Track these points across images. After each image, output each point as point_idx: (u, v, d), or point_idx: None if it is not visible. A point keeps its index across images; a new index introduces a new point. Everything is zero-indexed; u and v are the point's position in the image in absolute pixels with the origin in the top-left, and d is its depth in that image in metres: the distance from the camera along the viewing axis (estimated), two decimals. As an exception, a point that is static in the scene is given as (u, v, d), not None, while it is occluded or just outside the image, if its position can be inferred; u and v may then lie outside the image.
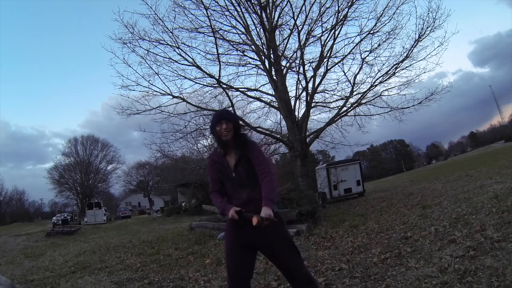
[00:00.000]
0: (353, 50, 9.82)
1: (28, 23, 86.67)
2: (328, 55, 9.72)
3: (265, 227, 1.75)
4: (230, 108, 9.45)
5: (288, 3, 9.64)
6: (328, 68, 10.07)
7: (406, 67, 9.57)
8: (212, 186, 2.05)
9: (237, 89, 10.38)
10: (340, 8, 8.99)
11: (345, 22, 9.33)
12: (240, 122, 2.12)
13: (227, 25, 10.26)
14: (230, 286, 1.93)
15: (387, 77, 9.72)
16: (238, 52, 10.77)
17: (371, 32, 9.42)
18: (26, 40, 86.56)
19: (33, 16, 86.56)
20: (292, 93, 10.71)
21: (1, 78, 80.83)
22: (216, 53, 9.04)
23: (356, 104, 10.12)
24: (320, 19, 9.67)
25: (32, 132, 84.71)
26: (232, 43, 10.56)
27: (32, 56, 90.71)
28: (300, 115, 10.39)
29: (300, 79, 10.30)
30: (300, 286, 1.91)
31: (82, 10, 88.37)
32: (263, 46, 10.16)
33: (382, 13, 9.12)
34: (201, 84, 9.91)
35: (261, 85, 11.36)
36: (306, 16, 9.55)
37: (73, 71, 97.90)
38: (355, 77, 9.94)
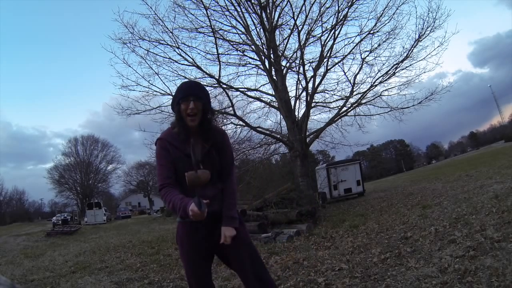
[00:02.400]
0: (353, 50, 9.84)
1: (28, 24, 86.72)
2: (328, 55, 9.72)
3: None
4: (230, 106, 9.43)
5: (288, 3, 9.65)
6: (328, 68, 10.08)
7: (406, 67, 9.60)
8: (164, 177, 1.56)
9: (237, 89, 10.38)
10: (340, 8, 9.00)
11: (345, 22, 9.34)
12: (212, 103, 1.70)
13: (227, 25, 10.28)
14: None
15: (387, 77, 9.73)
16: (238, 52, 10.78)
17: (371, 32, 9.44)
18: (27, 41, 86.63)
19: (34, 16, 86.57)
20: (292, 93, 10.73)
21: (3, 79, 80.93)
22: (216, 53, 9.05)
23: (356, 104, 10.13)
24: (320, 19, 9.69)
25: (33, 133, 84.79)
26: (232, 43, 10.57)
27: (34, 56, 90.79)
28: (300, 115, 10.39)
29: (300, 79, 10.31)
30: None
31: (83, 10, 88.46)
32: (263, 46, 10.17)
33: (382, 13, 9.14)
34: (201, 84, 9.90)
35: (261, 85, 11.37)
36: (306, 16, 9.56)
37: (74, 71, 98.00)
38: (355, 77, 9.96)
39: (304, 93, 10.20)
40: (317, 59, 9.96)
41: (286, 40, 10.48)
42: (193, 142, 1.54)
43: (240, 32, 10.42)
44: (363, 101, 10.09)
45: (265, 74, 10.47)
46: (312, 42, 10.35)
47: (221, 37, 10.09)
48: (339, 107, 10.37)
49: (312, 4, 9.49)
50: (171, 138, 1.60)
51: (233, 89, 10.23)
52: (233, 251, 1.65)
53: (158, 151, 1.61)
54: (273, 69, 10.08)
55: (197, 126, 1.59)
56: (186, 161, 1.54)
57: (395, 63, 9.49)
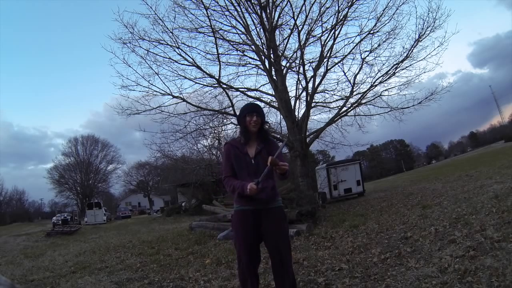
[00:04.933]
0: (353, 50, 9.83)
1: (30, 25, 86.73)
2: (328, 55, 9.71)
3: (271, 217, 2.14)
4: (230, 106, 9.45)
5: (288, 3, 9.65)
6: (328, 68, 10.08)
7: (406, 67, 9.59)
8: (227, 171, 2.21)
9: (237, 89, 10.38)
10: (340, 8, 9.00)
11: (345, 22, 9.34)
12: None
13: (227, 25, 10.27)
14: (241, 273, 2.20)
15: (387, 77, 9.73)
16: (238, 52, 10.78)
17: (371, 32, 9.43)
18: (29, 42, 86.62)
19: (35, 17, 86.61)
20: (292, 93, 10.72)
21: (5, 79, 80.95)
22: (216, 53, 9.06)
23: (356, 104, 10.13)
24: (320, 19, 9.68)
25: (34, 133, 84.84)
26: (232, 43, 10.56)
27: (35, 57, 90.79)
28: (300, 115, 10.39)
29: (300, 79, 10.30)
30: (281, 283, 2.13)
31: (84, 11, 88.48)
32: (263, 46, 10.16)
33: (382, 13, 9.13)
34: (201, 84, 9.92)
35: (261, 85, 11.37)
36: (306, 16, 9.56)
37: (75, 72, 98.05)
38: (355, 77, 9.95)
39: (304, 93, 10.21)
40: (317, 59, 9.96)
41: (286, 40, 10.49)
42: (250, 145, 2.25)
43: (240, 32, 10.43)
44: (363, 101, 10.09)
45: (265, 74, 10.46)
46: (312, 42, 10.36)
47: (221, 37, 10.08)
48: (339, 107, 10.37)
49: (312, 4, 9.50)
50: (234, 142, 2.29)
51: (233, 89, 10.24)
52: (274, 240, 2.15)
53: (224, 152, 2.28)
54: (273, 69, 10.07)
55: (256, 133, 2.23)
56: (243, 158, 2.20)
57: (395, 63, 9.50)
